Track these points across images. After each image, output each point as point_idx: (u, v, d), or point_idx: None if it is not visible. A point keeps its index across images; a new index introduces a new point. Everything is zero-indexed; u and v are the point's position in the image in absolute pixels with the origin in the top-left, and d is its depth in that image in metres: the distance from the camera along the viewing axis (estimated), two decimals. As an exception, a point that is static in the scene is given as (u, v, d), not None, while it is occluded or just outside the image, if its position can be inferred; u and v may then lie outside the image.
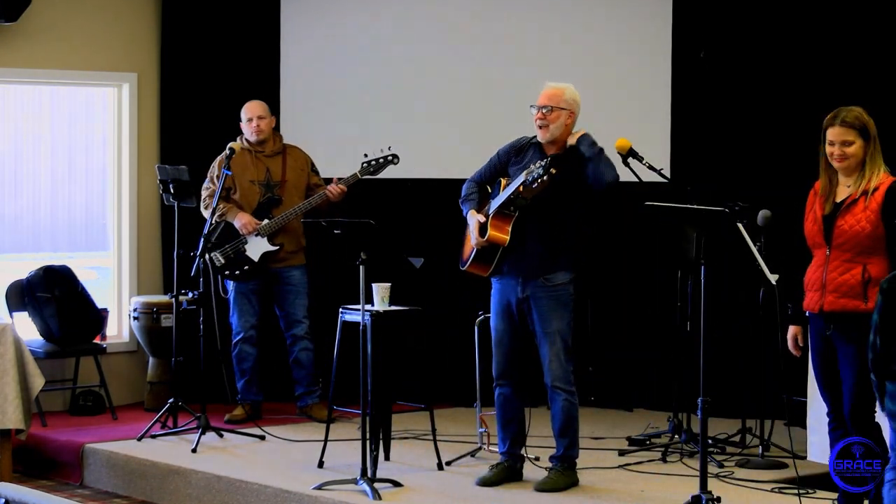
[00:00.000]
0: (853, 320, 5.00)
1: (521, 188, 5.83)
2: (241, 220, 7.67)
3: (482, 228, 5.99)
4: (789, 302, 6.36)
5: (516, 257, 6.00)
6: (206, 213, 7.57)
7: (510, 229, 5.93)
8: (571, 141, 5.95)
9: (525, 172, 5.80)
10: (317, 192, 7.64)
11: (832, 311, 5.09)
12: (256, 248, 7.68)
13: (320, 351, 8.17)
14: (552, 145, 6.03)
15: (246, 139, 7.80)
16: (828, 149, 5.13)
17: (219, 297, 7.71)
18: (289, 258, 7.73)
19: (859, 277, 5.02)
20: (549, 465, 6.13)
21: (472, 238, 6.05)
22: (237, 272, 7.72)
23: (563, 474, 6.06)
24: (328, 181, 7.62)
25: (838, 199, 5.13)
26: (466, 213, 6.16)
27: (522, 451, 6.25)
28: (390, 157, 7.50)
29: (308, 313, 7.79)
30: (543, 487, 5.99)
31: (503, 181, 6.02)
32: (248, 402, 7.85)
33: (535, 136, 6.09)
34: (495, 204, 5.99)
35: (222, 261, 7.71)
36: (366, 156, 7.49)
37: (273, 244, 7.66)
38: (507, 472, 6.16)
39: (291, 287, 7.76)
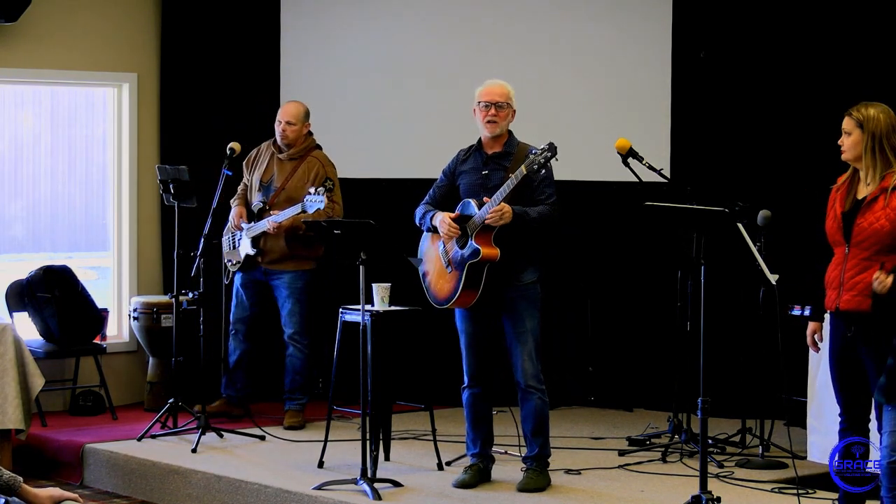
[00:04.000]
0: (868, 319, 4.95)
1: (521, 179, 5.76)
2: (232, 213, 7.71)
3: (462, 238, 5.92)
4: (790, 303, 6.35)
5: (493, 269, 5.93)
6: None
7: (493, 242, 5.88)
8: (494, 222, 5.82)
9: (525, 164, 5.74)
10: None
11: (847, 309, 5.03)
12: (243, 246, 7.68)
13: (320, 351, 8.15)
14: (495, 143, 6.06)
15: (275, 138, 7.76)
16: None
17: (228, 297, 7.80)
18: (277, 263, 7.60)
19: None
20: (524, 465, 6.12)
21: (442, 252, 6.00)
22: (228, 262, 7.79)
23: (542, 474, 6.08)
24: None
25: (859, 197, 5.09)
26: (428, 224, 6.07)
27: (492, 451, 6.29)
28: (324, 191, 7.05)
29: (299, 319, 7.62)
30: (527, 487, 5.99)
31: (474, 201, 5.92)
32: (224, 397, 7.83)
33: (471, 145, 6.12)
34: (497, 197, 5.81)
35: (226, 248, 7.77)
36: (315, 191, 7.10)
37: (253, 247, 7.61)
38: (482, 474, 6.16)
39: (280, 291, 7.66)
